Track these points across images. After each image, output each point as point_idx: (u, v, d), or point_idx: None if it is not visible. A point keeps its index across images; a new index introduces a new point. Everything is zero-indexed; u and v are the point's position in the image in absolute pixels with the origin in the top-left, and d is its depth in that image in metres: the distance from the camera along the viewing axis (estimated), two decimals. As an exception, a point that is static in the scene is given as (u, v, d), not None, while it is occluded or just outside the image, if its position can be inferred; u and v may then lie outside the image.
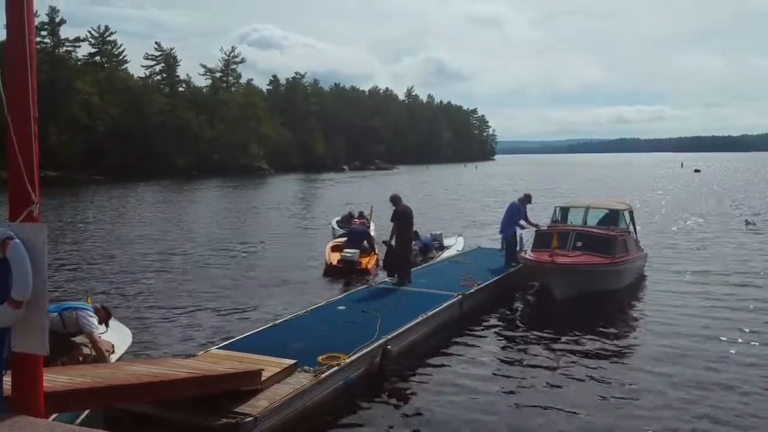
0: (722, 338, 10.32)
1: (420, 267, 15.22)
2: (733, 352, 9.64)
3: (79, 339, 7.32)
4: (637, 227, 16.46)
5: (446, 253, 17.55)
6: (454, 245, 18.72)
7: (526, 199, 15.79)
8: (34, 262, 4.52)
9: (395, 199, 13.23)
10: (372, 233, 18.07)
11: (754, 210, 32.73)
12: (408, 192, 51.77)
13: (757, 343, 10.05)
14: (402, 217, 13.04)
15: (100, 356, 7.04)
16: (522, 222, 15.31)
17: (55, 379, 5.27)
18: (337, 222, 22.51)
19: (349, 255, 15.86)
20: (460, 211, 33.94)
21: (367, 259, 16.29)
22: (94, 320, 7.21)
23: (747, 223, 26.37)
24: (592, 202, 16.67)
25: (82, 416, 6.37)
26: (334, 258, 16.37)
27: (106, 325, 7.98)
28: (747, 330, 10.74)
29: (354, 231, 17.43)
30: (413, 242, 15.60)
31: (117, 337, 8.42)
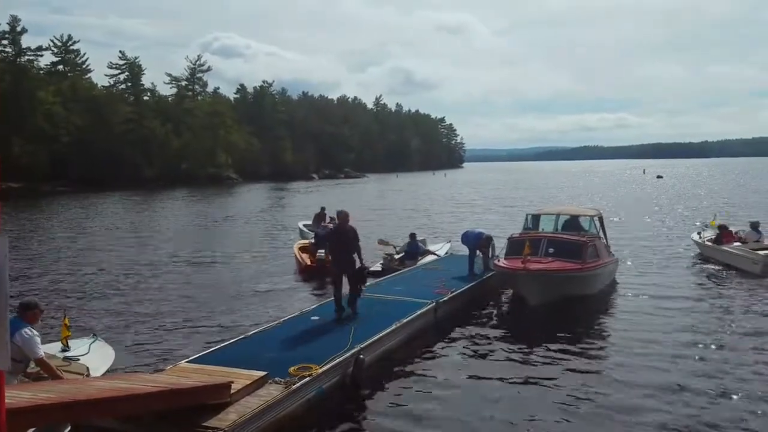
0: (689, 341, 10.42)
1: (394, 275, 15.16)
2: (700, 354, 9.74)
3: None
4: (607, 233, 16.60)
5: (426, 259, 17.48)
6: (439, 251, 18.67)
7: (488, 241, 15.31)
8: (-7, 274, 4.35)
9: (342, 216, 11.43)
10: None
11: (713, 213, 33.39)
12: (381, 200, 51.85)
13: (722, 342, 10.20)
14: (344, 236, 11.28)
15: (53, 377, 6.56)
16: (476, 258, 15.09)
17: (17, 395, 5.08)
18: (305, 225, 23.69)
19: (322, 255, 16.77)
20: (432, 218, 34.01)
21: None
22: (37, 339, 6.64)
23: (705, 227, 26.88)
24: (562, 209, 16.83)
25: None
26: (308, 258, 17.52)
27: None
28: (714, 332, 10.90)
29: (319, 234, 18.44)
30: (403, 246, 18.02)
31: (98, 356, 8.17)
